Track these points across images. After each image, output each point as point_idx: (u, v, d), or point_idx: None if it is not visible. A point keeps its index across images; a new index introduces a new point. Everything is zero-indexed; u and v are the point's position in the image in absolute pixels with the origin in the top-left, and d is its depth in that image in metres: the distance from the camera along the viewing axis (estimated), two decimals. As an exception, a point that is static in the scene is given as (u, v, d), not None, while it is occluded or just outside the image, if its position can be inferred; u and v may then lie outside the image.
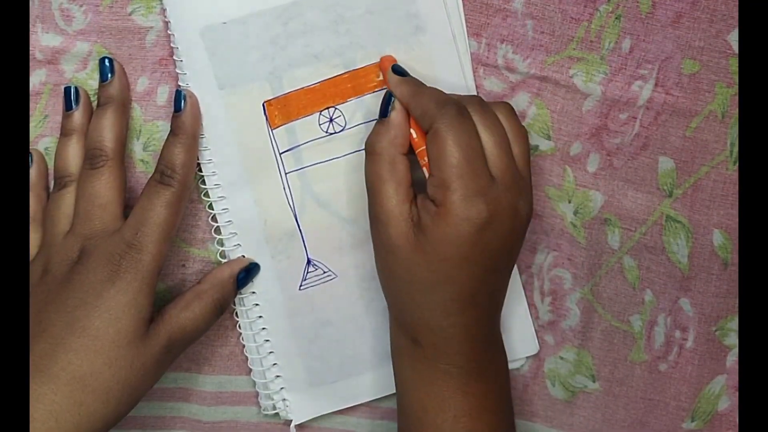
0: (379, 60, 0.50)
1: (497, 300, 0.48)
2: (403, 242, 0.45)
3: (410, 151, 0.47)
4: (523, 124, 0.52)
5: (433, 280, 0.45)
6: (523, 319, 0.53)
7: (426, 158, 0.45)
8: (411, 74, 0.48)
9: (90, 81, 0.51)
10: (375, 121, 0.48)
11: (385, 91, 0.48)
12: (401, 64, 0.49)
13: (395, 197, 0.45)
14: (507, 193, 0.44)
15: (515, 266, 0.52)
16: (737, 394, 0.53)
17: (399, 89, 0.47)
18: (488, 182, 0.44)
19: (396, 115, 0.47)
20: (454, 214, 0.43)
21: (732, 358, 0.53)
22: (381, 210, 0.46)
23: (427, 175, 0.46)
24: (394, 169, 0.46)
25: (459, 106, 0.45)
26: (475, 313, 0.46)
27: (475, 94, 0.51)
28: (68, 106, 0.50)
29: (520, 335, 0.53)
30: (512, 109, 0.47)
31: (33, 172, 0.50)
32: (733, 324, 0.53)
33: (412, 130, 0.47)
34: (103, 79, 0.50)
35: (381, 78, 0.50)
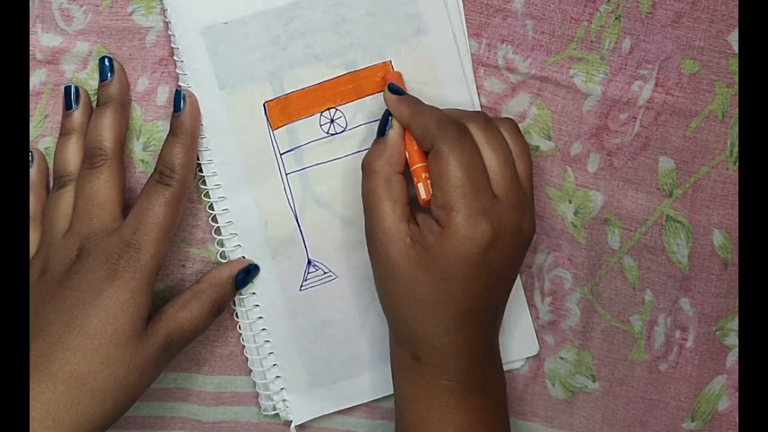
0: (379, 60, 0.50)
1: (498, 316, 0.48)
2: (404, 261, 0.45)
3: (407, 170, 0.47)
4: (524, 124, 0.52)
5: (435, 297, 0.45)
6: (523, 320, 0.53)
7: (422, 176, 0.46)
8: (409, 86, 0.49)
9: (90, 81, 0.51)
10: (376, 122, 0.48)
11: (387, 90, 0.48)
12: (402, 64, 0.49)
13: (392, 215, 0.45)
14: (511, 212, 0.44)
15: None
16: (737, 394, 0.53)
17: (398, 109, 0.47)
18: (492, 201, 0.44)
19: (393, 134, 0.47)
20: (458, 234, 0.43)
21: (732, 358, 0.53)
22: (379, 229, 0.46)
23: (421, 193, 0.46)
24: (391, 187, 0.46)
25: (460, 126, 0.45)
26: (476, 329, 0.46)
27: (476, 95, 0.51)
28: (68, 106, 0.50)
29: (520, 335, 0.53)
30: (516, 125, 0.47)
31: (33, 171, 0.50)
32: (733, 324, 0.53)
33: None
34: (102, 78, 0.50)
35: (382, 80, 0.50)
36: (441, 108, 0.47)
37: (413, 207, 0.47)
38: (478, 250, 0.44)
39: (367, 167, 0.47)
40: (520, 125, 0.52)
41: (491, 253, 0.44)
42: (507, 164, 0.45)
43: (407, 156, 0.47)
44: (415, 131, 0.46)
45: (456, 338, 0.45)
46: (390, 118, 0.47)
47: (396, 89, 0.48)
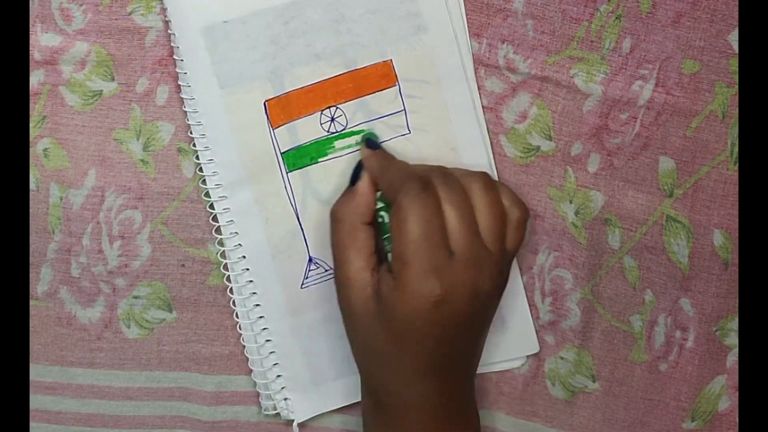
0: (380, 59, 0.50)
1: (463, 369, 0.48)
2: (364, 310, 0.45)
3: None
4: (524, 124, 0.52)
5: (391, 350, 0.45)
6: (523, 319, 0.53)
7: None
8: (383, 147, 0.49)
9: (87, 82, 0.51)
10: (376, 120, 0.48)
11: (389, 90, 0.49)
12: (402, 63, 0.49)
13: (355, 264, 0.46)
14: (466, 271, 0.44)
15: (517, 267, 0.52)
16: (737, 394, 0.53)
17: (369, 162, 0.48)
18: (446, 260, 0.44)
19: (362, 185, 0.47)
20: (408, 289, 0.43)
21: (732, 358, 0.53)
22: (342, 275, 0.46)
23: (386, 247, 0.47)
24: (355, 237, 0.46)
25: (424, 181, 0.44)
26: (437, 382, 0.46)
27: (477, 93, 0.51)
28: None
29: (520, 335, 0.53)
30: (488, 180, 0.46)
31: None
32: (733, 324, 0.53)
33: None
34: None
35: (382, 78, 0.50)
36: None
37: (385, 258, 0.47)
38: (429, 306, 0.43)
39: (333, 215, 0.47)
40: (520, 125, 0.52)
41: (443, 311, 0.44)
42: (465, 221, 0.44)
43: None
44: (382, 184, 0.47)
45: (416, 390, 0.45)
46: (362, 169, 0.48)
47: (370, 143, 0.49)
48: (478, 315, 0.46)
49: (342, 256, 0.46)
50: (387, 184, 0.46)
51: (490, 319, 0.48)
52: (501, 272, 0.46)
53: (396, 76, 0.50)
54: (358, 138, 0.50)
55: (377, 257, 0.47)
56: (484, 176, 0.46)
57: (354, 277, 0.46)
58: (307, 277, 0.52)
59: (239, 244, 0.51)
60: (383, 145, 0.50)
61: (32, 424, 0.53)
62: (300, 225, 0.51)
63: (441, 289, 0.43)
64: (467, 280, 0.44)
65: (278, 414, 0.53)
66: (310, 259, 0.51)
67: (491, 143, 0.52)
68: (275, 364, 0.52)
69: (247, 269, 0.51)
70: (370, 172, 0.48)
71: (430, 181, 0.45)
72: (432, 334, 0.44)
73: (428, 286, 0.43)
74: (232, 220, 0.51)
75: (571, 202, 0.52)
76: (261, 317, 0.52)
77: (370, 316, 0.45)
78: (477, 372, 0.53)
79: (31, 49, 0.50)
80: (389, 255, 0.46)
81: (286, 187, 0.51)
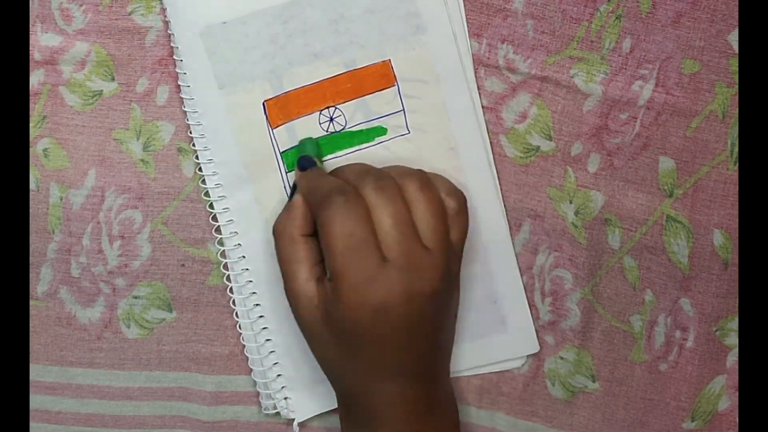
0: (379, 59, 0.50)
1: (425, 370, 0.47)
2: (311, 321, 0.46)
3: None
4: (524, 124, 0.52)
5: (342, 356, 0.46)
6: (523, 319, 0.53)
7: None
8: (318, 160, 0.49)
9: (88, 83, 0.51)
10: (376, 120, 0.49)
11: (388, 90, 0.49)
12: (401, 63, 0.49)
13: (299, 276, 0.46)
14: (399, 276, 0.44)
15: (517, 267, 0.52)
16: (737, 394, 0.53)
17: (300, 184, 0.48)
18: (377, 267, 0.43)
19: (297, 199, 0.47)
20: (345, 301, 0.44)
21: (732, 358, 0.53)
22: (288, 289, 0.46)
23: None
24: (294, 249, 0.46)
25: (346, 193, 0.44)
26: (399, 384, 0.46)
27: (477, 93, 0.51)
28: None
29: (520, 335, 0.53)
30: (424, 179, 0.46)
31: None
32: (734, 324, 0.53)
33: None
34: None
35: (381, 78, 0.50)
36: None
37: None
38: (368, 314, 0.44)
39: (274, 230, 0.48)
40: (520, 125, 0.52)
41: (383, 316, 0.44)
42: (397, 225, 0.44)
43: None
44: (310, 204, 0.47)
45: (379, 393, 0.46)
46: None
47: (303, 164, 0.48)
48: (422, 317, 0.45)
49: (286, 270, 0.46)
50: (312, 205, 0.46)
51: (442, 317, 0.47)
52: (445, 270, 0.45)
53: (395, 76, 0.50)
54: (357, 138, 0.51)
55: (323, 268, 0.46)
56: (418, 174, 0.46)
57: (298, 289, 0.46)
58: (306, 277, 0.52)
59: (239, 244, 0.51)
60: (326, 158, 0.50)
61: (32, 424, 0.53)
62: (300, 225, 0.51)
63: (378, 297, 0.43)
64: (402, 286, 0.44)
65: (278, 413, 0.53)
66: (310, 259, 0.51)
67: (491, 143, 0.52)
68: (275, 364, 0.52)
69: (247, 269, 0.51)
70: (302, 193, 0.48)
71: (355, 190, 0.45)
72: (376, 341, 0.44)
73: (362, 296, 0.43)
74: (231, 220, 0.51)
75: (571, 202, 0.52)
76: (261, 317, 0.52)
77: (319, 326, 0.46)
78: (477, 372, 0.53)
79: (31, 49, 0.50)
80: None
81: (285, 186, 0.51)
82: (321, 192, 0.45)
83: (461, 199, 0.47)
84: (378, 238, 0.44)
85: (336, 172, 0.48)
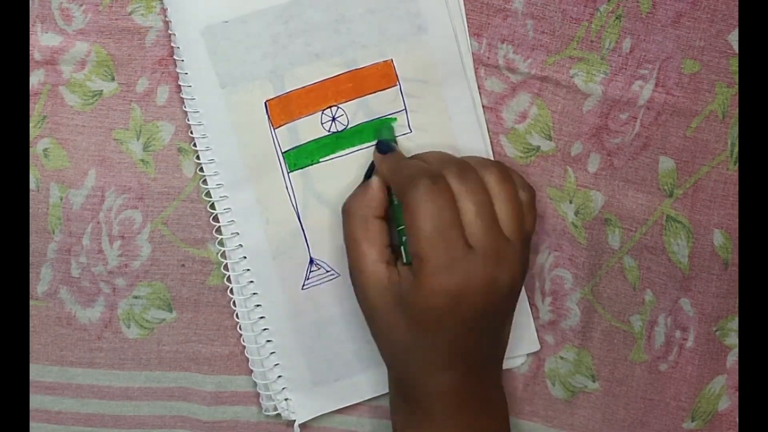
0: (380, 59, 0.50)
1: (486, 360, 0.48)
2: (381, 303, 0.46)
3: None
4: (524, 124, 0.52)
5: (410, 342, 0.45)
6: (524, 318, 0.53)
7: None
8: (397, 143, 0.50)
9: (88, 83, 0.51)
10: (377, 119, 0.49)
11: (389, 90, 0.49)
12: (402, 63, 0.50)
13: (369, 257, 0.46)
14: (483, 264, 0.44)
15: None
16: (737, 394, 0.53)
17: (381, 167, 0.48)
18: (463, 253, 0.43)
19: (375, 180, 0.48)
20: (426, 285, 0.44)
21: (732, 358, 0.53)
22: (357, 269, 0.46)
23: (402, 256, 0.47)
24: (367, 229, 0.46)
25: (433, 177, 0.44)
26: (460, 373, 0.46)
27: (477, 92, 0.51)
28: None
29: (520, 334, 0.53)
30: (503, 169, 0.46)
31: None
32: (733, 324, 0.53)
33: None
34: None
35: (383, 78, 0.50)
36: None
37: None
38: (447, 300, 0.44)
39: (345, 210, 0.48)
40: (520, 125, 0.52)
41: (460, 305, 0.44)
42: (481, 213, 0.44)
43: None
44: (393, 187, 0.47)
45: (438, 380, 0.46)
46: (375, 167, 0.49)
47: (383, 147, 0.49)
48: (497, 307, 0.46)
49: (355, 249, 0.46)
50: (396, 187, 0.46)
51: (512, 308, 0.48)
52: (522, 260, 0.46)
53: (396, 75, 0.50)
54: (359, 138, 0.51)
55: (392, 253, 0.47)
56: (498, 165, 0.46)
57: (369, 269, 0.46)
58: (308, 279, 0.52)
59: (240, 245, 0.51)
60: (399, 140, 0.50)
61: (32, 424, 0.53)
62: (301, 225, 0.51)
63: (459, 284, 0.43)
64: (485, 274, 0.44)
65: (278, 414, 0.53)
66: (311, 260, 0.51)
67: (491, 143, 0.52)
68: (276, 365, 0.52)
69: (248, 270, 0.51)
70: (382, 175, 0.48)
71: (441, 175, 0.45)
72: (450, 328, 0.44)
73: (445, 282, 0.43)
74: (232, 221, 0.51)
75: (571, 202, 0.52)
76: (262, 318, 0.52)
77: (388, 308, 0.45)
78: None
79: (31, 49, 0.50)
80: (402, 249, 0.46)
81: (287, 187, 0.51)
82: (407, 174, 0.45)
83: (533, 193, 0.47)
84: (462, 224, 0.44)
85: (417, 158, 0.48)
